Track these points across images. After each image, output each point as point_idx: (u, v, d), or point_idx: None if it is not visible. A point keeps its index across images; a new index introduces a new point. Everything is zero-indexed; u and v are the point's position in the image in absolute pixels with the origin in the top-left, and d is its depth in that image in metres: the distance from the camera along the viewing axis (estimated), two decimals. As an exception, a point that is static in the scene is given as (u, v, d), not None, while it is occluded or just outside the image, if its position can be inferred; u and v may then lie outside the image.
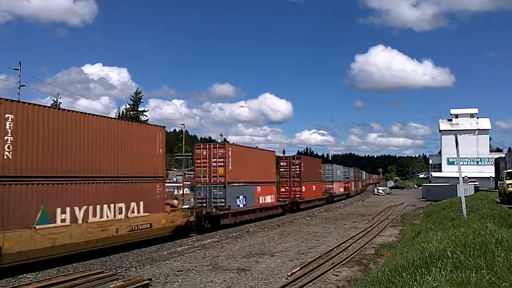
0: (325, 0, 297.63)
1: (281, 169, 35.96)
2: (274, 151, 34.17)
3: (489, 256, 7.24)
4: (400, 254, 11.13)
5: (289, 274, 11.90)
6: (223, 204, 23.54)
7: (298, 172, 36.74)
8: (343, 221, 27.71)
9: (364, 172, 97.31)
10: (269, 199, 29.98)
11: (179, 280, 11.54)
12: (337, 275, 11.73)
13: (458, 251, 8.00)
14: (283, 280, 11.34)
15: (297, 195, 36.44)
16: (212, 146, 24.67)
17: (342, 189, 55.84)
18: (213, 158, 24.08)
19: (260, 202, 28.44)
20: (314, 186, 40.79)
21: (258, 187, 28.09)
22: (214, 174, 23.95)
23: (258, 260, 14.40)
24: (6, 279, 11.90)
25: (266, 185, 29.66)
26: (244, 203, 25.93)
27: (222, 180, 23.82)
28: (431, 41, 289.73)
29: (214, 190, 23.69)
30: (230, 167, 24.23)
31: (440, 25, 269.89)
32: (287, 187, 36.24)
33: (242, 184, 25.75)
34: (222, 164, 23.87)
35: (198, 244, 18.37)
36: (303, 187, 37.19)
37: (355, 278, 11.18)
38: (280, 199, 33.48)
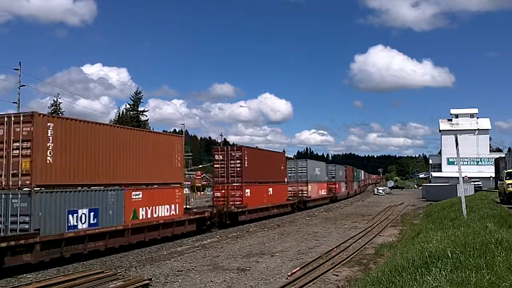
0: (325, 0, 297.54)
1: (215, 165, 27.17)
2: (180, 136, 21.82)
3: (489, 256, 7.23)
4: (400, 254, 11.12)
5: (289, 274, 11.90)
6: (26, 226, 12.90)
7: (239, 169, 26.33)
8: (343, 221, 27.71)
9: (362, 171, 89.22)
10: (166, 211, 18.83)
11: (179, 280, 11.55)
12: (337, 275, 11.73)
13: (458, 251, 7.99)
14: (283, 280, 11.34)
15: (236, 202, 25.91)
16: (12, 119, 13.55)
17: (323, 192, 45.09)
18: (15, 142, 13.43)
19: (142, 217, 17.30)
20: (271, 189, 30.45)
21: (136, 193, 17.02)
22: (15, 171, 13.32)
23: (258, 260, 14.41)
24: (6, 279, 11.92)
25: (159, 190, 18.51)
26: (94, 221, 15.09)
27: (27, 182, 13.10)
28: (430, 41, 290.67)
29: (13, 200, 13.09)
30: (50, 159, 13.62)
31: (439, 25, 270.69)
32: (223, 191, 26.28)
33: (85, 188, 14.87)
34: (28, 151, 13.23)
35: (198, 244, 18.39)
36: (247, 190, 26.63)
37: (355, 278, 11.19)
38: (195, 211, 23.09)
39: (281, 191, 33.18)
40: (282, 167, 33.94)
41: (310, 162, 42.84)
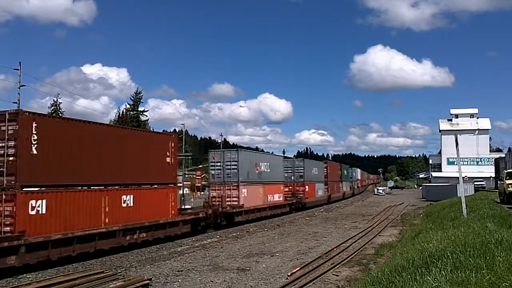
0: (325, 0, 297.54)
1: None
2: None
3: (489, 256, 7.23)
4: (400, 254, 11.13)
5: (289, 274, 11.91)
6: None
7: (12, 159, 12.59)
8: (343, 221, 27.71)
9: (358, 170, 79.30)
10: None
11: (179, 280, 11.56)
12: (337, 275, 11.73)
13: (458, 251, 7.99)
14: (283, 280, 11.34)
15: (6, 229, 12.29)
16: None
17: (276, 197, 31.84)
18: None
19: None
20: (129, 197, 16.52)
21: None
22: None
23: (258, 260, 14.41)
24: (6, 279, 11.92)
25: None
26: None
27: None
28: (430, 41, 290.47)
29: None
30: None
31: (439, 25, 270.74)
32: None
33: None
34: None
35: (198, 244, 18.39)
36: (36, 202, 12.84)
37: (355, 278, 11.19)
38: None
39: (161, 200, 18.60)
40: (169, 159, 19.33)
41: (245, 154, 28.53)
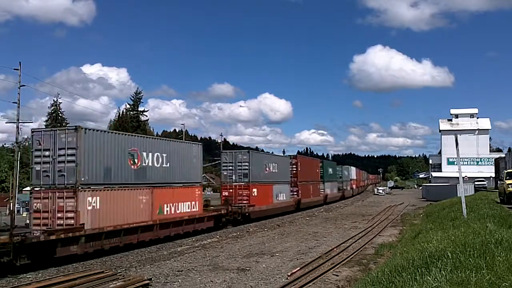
0: (324, 0, 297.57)
1: None
2: None
3: (489, 256, 7.23)
4: (400, 254, 11.13)
5: (289, 274, 11.91)
6: None
7: None
8: (343, 221, 27.72)
9: (353, 169, 70.60)
10: None
11: (179, 280, 11.56)
12: (337, 275, 11.74)
13: (458, 251, 7.99)
14: (283, 280, 11.35)
15: None
16: None
17: (186, 208, 20.63)
18: None
19: None
20: None
21: None
22: None
23: (258, 260, 14.42)
24: (6, 279, 11.93)
25: None
26: None
27: None
28: (430, 41, 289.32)
29: None
30: None
31: (438, 25, 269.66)
32: None
33: None
34: None
35: (198, 244, 18.39)
36: None
37: (355, 278, 11.19)
38: None
39: None
40: None
41: (100, 136, 16.13)
